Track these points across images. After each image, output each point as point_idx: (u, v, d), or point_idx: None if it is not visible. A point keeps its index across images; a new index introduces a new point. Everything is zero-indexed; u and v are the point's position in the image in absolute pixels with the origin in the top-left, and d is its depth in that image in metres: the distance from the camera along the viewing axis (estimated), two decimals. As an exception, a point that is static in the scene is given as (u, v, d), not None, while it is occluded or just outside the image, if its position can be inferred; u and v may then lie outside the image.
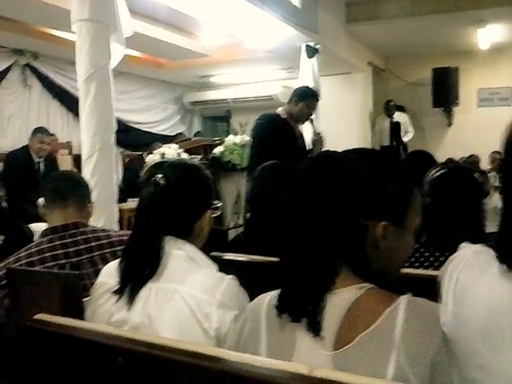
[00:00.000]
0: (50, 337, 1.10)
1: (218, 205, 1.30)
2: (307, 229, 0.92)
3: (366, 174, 0.92)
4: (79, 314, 1.23)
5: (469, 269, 0.90)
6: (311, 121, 3.81)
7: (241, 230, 2.01)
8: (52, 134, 6.33)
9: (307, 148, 3.82)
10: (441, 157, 6.81)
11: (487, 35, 6.77)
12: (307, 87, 3.98)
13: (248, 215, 1.96)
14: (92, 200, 1.92)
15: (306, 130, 4.08)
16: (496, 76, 7.92)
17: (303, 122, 3.78)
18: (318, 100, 3.78)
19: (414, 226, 0.98)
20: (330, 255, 0.91)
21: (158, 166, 1.28)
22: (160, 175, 1.22)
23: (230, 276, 1.18)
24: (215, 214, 1.37)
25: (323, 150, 3.58)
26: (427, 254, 1.71)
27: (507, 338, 0.81)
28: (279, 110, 3.69)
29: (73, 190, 1.79)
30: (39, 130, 4.89)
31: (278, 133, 3.51)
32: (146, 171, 1.29)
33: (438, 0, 6.13)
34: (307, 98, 3.65)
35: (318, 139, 3.76)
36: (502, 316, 0.82)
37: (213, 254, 1.69)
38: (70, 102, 6.65)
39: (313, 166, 0.97)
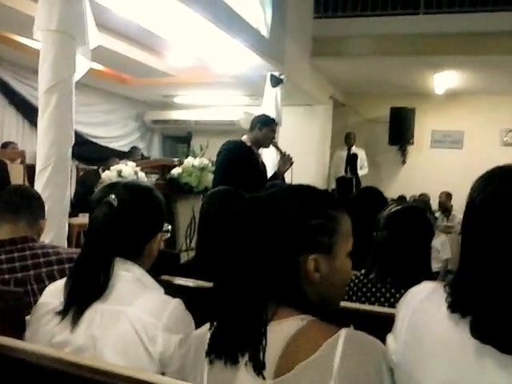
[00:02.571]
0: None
1: (169, 227, 1.31)
2: (243, 265, 0.96)
3: (291, 213, 0.97)
4: (21, 332, 1.19)
5: (427, 303, 0.93)
6: (275, 144, 3.97)
7: (193, 253, 2.00)
8: (12, 142, 6.16)
9: (273, 170, 3.99)
10: (393, 193, 7.00)
11: (443, 80, 7.10)
12: (266, 115, 4.19)
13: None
14: (45, 216, 1.87)
15: (268, 156, 4.16)
16: (449, 119, 8.27)
17: (268, 146, 3.95)
18: (277, 125, 4.10)
19: (346, 250, 1.01)
20: (265, 291, 0.94)
21: (112, 187, 1.28)
22: (113, 196, 1.22)
23: (177, 300, 1.19)
24: (165, 237, 1.37)
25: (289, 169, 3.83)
26: (383, 289, 1.73)
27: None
28: (244, 138, 3.76)
29: (25, 204, 1.74)
30: None
31: (242, 160, 3.64)
32: (98, 190, 1.29)
33: (400, 42, 6.38)
34: (270, 124, 3.86)
35: (286, 159, 3.85)
36: (446, 352, 0.85)
37: (163, 277, 1.67)
38: (27, 110, 6.48)
39: (248, 208, 1.02)
